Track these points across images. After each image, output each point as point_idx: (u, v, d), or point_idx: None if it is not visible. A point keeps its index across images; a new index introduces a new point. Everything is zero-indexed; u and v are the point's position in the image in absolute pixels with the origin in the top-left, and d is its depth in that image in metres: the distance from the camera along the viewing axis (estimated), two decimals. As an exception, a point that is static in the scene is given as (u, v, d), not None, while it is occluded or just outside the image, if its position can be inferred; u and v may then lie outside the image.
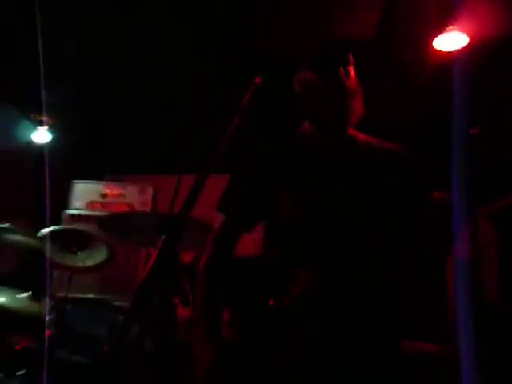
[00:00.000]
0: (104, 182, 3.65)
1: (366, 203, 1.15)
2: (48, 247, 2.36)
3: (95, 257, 2.62)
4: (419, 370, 2.05)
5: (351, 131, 1.25)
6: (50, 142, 3.48)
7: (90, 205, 3.52)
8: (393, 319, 1.17)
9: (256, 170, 1.26)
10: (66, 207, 3.53)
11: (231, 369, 1.12)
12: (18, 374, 1.74)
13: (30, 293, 2.14)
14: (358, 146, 1.24)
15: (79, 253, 2.59)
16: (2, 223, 2.09)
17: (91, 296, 3.27)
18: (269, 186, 1.22)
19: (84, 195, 3.54)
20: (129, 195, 3.52)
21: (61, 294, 3.23)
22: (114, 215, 2.53)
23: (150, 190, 3.53)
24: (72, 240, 2.64)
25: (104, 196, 3.54)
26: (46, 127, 3.44)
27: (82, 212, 3.47)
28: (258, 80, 1.06)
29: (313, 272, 1.11)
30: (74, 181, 3.59)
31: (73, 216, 3.46)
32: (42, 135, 3.47)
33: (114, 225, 2.12)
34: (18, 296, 2.15)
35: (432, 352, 2.14)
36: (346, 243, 1.14)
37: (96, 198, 3.53)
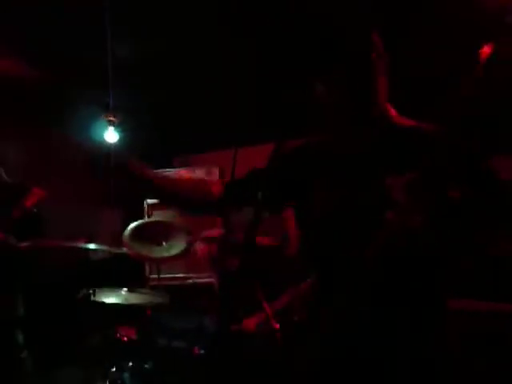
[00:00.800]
0: (174, 169, 3.85)
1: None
2: (134, 244, 2.59)
3: (178, 244, 2.81)
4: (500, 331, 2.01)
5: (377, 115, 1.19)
6: (120, 139, 3.71)
7: (166, 192, 3.75)
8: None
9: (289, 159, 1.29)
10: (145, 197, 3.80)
11: None
12: (129, 365, 2.01)
13: (127, 288, 2.36)
14: (384, 137, 1.18)
15: (164, 243, 2.78)
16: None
17: (179, 275, 3.58)
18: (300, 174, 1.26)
19: (159, 184, 3.77)
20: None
21: (154, 276, 3.59)
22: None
23: (216, 171, 3.66)
24: (155, 232, 2.85)
25: (176, 182, 3.74)
26: (113, 126, 3.67)
27: (160, 200, 3.72)
28: None
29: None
30: (148, 171, 3.82)
31: (153, 205, 3.72)
32: (111, 134, 3.71)
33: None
34: (121, 292, 2.39)
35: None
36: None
37: (170, 185, 3.75)
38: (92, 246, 2.12)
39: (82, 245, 2.12)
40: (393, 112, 1.22)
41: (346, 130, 1.20)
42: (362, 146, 1.19)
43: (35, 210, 2.42)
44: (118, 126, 3.67)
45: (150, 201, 3.75)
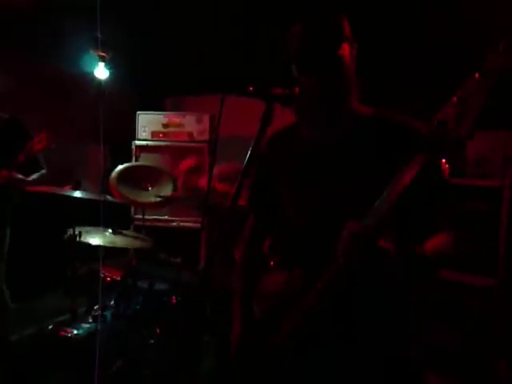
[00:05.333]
0: (164, 113, 3.81)
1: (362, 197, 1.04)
2: (121, 187, 2.62)
3: (164, 191, 2.85)
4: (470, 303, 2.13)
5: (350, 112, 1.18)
6: (110, 76, 3.62)
7: (155, 135, 3.73)
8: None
9: (260, 169, 1.30)
10: (134, 138, 3.78)
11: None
12: (111, 303, 2.13)
13: (112, 229, 2.42)
14: (355, 132, 1.17)
15: (150, 188, 2.81)
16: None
17: (164, 218, 3.64)
18: (273, 185, 1.26)
19: (148, 125, 3.75)
20: (188, 124, 3.67)
21: (138, 217, 3.66)
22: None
23: (206, 118, 3.63)
24: (142, 176, 2.87)
25: (165, 126, 3.72)
26: (104, 63, 3.56)
27: (149, 142, 3.72)
28: None
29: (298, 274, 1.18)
30: (139, 112, 3.78)
31: (141, 147, 3.72)
32: (102, 71, 3.61)
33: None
34: (105, 232, 2.45)
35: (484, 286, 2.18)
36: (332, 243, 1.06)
37: (158, 128, 3.73)
38: (77, 193, 2.14)
39: (68, 192, 2.14)
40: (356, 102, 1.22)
41: (322, 120, 1.18)
42: (339, 137, 1.18)
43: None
44: (108, 62, 3.57)
45: (137, 142, 3.74)
